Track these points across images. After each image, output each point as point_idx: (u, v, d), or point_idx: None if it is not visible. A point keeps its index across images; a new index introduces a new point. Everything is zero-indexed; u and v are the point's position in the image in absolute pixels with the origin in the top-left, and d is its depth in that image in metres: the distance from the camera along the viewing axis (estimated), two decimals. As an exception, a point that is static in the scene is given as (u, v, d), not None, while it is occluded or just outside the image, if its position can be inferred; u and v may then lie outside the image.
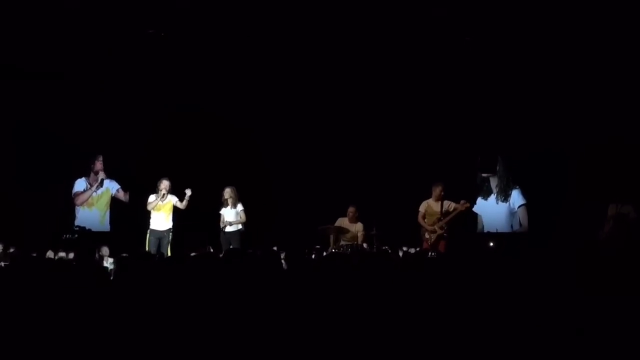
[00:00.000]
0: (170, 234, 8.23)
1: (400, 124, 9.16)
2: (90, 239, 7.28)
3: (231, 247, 8.30)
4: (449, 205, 8.16)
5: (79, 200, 7.38)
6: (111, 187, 7.51)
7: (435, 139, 8.88)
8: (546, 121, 8.09)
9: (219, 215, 8.78)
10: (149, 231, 8.17)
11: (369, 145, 9.32)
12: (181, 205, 8.19)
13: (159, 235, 8.16)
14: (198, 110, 9.38)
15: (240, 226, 8.68)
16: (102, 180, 7.39)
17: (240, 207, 8.70)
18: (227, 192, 8.69)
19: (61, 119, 8.85)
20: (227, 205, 8.72)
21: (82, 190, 7.44)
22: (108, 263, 6.34)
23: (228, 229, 8.63)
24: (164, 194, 8.15)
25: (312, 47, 8.53)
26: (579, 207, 7.44)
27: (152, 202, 8.20)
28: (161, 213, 8.23)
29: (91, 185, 7.42)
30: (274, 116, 9.45)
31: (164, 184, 8.19)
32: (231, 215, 8.70)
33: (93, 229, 7.23)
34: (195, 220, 8.76)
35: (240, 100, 9.34)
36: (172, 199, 8.29)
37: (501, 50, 8.16)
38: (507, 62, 8.20)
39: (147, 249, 7.96)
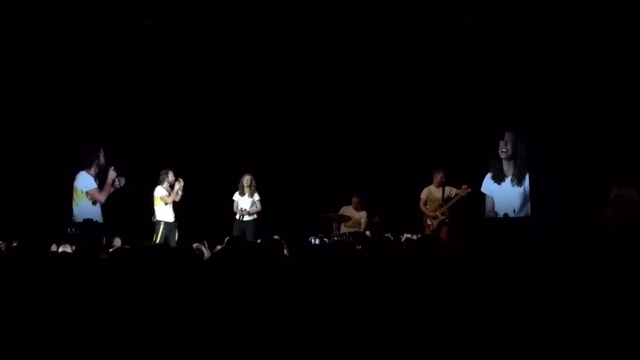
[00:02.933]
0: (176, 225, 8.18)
1: (401, 111, 9.12)
2: (98, 231, 7.33)
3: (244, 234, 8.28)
4: (450, 191, 8.16)
5: (101, 196, 7.44)
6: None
7: (436, 125, 8.85)
8: (549, 105, 8.05)
9: (232, 201, 8.70)
10: (162, 223, 8.02)
11: (370, 133, 9.29)
12: (176, 197, 8.12)
13: (170, 227, 8.09)
14: (198, 97, 9.33)
15: (255, 215, 8.62)
16: (119, 179, 7.64)
17: (257, 196, 8.64)
18: (247, 180, 8.59)
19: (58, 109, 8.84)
20: (244, 193, 8.62)
21: (96, 186, 7.48)
22: None
23: (246, 218, 8.56)
24: (177, 188, 8.05)
25: (314, 34, 8.49)
26: (584, 190, 7.43)
27: (168, 196, 8.06)
28: (170, 205, 8.15)
29: (96, 178, 7.48)
30: (277, 104, 9.40)
31: (171, 175, 8.11)
32: (247, 204, 8.61)
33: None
34: (196, 211, 8.76)
35: (243, 87, 9.30)
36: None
37: (501, 34, 8.12)
38: (506, 48, 8.16)
39: (158, 240, 7.86)
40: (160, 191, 8.07)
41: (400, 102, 9.09)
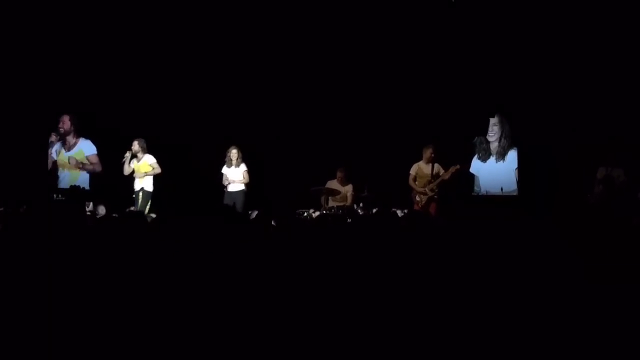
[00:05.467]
0: (142, 193, 8.18)
1: (390, 85, 9.07)
2: (84, 198, 7.28)
3: (235, 207, 8.30)
4: (439, 169, 8.18)
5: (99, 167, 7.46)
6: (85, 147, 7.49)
7: (426, 100, 8.82)
8: (538, 83, 8.04)
9: (221, 174, 8.77)
10: (142, 192, 8.13)
11: (359, 107, 9.25)
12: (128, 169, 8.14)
13: (136, 195, 8.17)
14: (187, 69, 9.23)
15: (243, 186, 8.68)
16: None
17: (244, 166, 8.71)
18: (234, 153, 8.68)
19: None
20: (231, 164, 8.70)
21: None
22: None
23: (235, 188, 8.63)
24: (134, 155, 8.12)
25: (302, 8, 8.41)
26: (570, 169, 7.47)
27: (125, 166, 8.15)
28: (138, 175, 8.20)
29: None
30: (263, 78, 9.34)
31: (136, 145, 8.15)
32: (235, 174, 8.69)
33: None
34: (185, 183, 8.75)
35: (231, 62, 9.22)
36: (148, 159, 8.22)
37: (491, 10, 8.07)
38: (497, 23, 8.12)
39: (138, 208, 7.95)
40: (124, 160, 8.18)
41: (390, 78, 9.04)
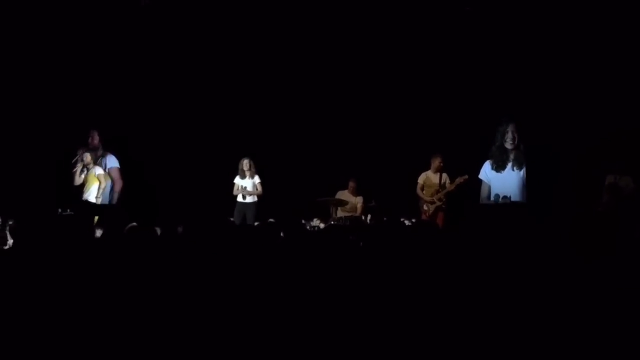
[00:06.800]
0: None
1: (399, 96, 9.10)
2: (93, 213, 7.35)
3: (245, 218, 8.31)
4: (447, 178, 8.17)
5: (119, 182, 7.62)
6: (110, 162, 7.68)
7: (434, 110, 8.83)
8: (546, 92, 8.04)
9: (232, 184, 8.76)
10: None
11: (368, 118, 9.28)
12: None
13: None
14: (194, 79, 9.31)
15: (256, 198, 8.66)
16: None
17: (257, 178, 8.69)
18: (246, 163, 8.65)
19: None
20: (245, 176, 8.66)
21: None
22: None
23: (247, 199, 8.61)
24: (85, 166, 7.90)
25: (312, 18, 8.47)
26: (578, 177, 7.44)
27: (76, 176, 7.91)
28: (92, 185, 8.07)
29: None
30: (275, 89, 9.38)
31: (87, 156, 7.90)
32: (248, 185, 8.68)
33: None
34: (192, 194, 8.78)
35: (239, 71, 9.27)
36: (96, 170, 8.02)
37: (502, 19, 8.08)
38: (507, 33, 8.13)
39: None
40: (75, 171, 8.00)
41: (399, 88, 9.07)
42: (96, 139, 7.68)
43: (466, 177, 8.00)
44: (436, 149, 8.29)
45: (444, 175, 8.17)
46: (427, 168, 8.34)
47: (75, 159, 7.84)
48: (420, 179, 8.35)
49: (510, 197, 5.91)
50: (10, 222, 7.08)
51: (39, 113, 8.81)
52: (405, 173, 8.57)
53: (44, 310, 2.41)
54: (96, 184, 7.96)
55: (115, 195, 7.81)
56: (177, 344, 2.33)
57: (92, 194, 7.97)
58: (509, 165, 6.01)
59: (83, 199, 7.92)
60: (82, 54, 8.76)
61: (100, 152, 7.71)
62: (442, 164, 8.14)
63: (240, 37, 8.94)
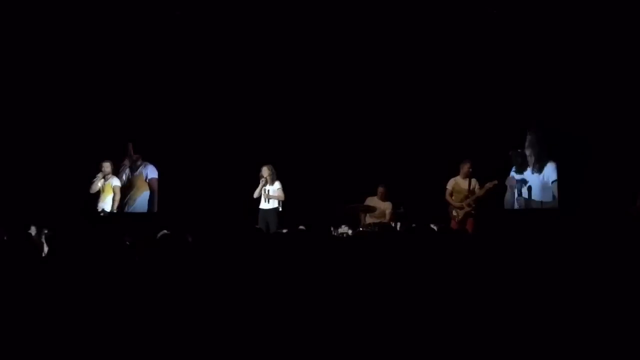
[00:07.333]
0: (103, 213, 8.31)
1: (428, 101, 9.06)
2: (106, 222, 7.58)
3: (269, 226, 8.28)
4: (476, 184, 8.11)
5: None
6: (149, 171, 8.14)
7: (464, 115, 8.78)
8: (575, 94, 7.95)
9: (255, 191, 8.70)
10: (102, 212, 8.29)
11: (397, 123, 9.25)
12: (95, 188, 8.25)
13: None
14: (220, 87, 9.40)
15: (277, 203, 8.57)
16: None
17: (278, 184, 8.60)
18: (265, 170, 8.55)
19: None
20: (265, 183, 8.57)
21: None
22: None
23: (266, 204, 8.54)
24: (106, 177, 8.21)
25: (341, 20, 8.50)
26: (611, 183, 7.33)
27: (93, 184, 8.25)
28: (106, 195, 8.31)
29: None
30: (304, 96, 9.41)
31: (106, 166, 8.23)
32: (270, 192, 8.59)
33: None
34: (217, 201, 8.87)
35: (267, 76, 9.32)
36: (113, 181, 8.33)
37: (529, 23, 8.02)
38: (535, 37, 8.06)
39: None
40: (95, 180, 8.33)
41: (428, 93, 9.03)
42: (131, 150, 7.91)
43: (496, 182, 7.95)
44: (465, 154, 8.24)
45: (473, 180, 8.11)
46: (456, 174, 8.30)
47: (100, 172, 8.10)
48: (449, 185, 8.31)
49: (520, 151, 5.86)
50: (46, 231, 7.24)
51: (77, 124, 9.02)
52: (434, 179, 8.53)
53: (79, 316, 2.47)
54: (111, 194, 8.14)
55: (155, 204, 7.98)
56: (214, 350, 2.36)
57: (108, 204, 8.14)
58: (529, 168, 6.00)
59: (98, 207, 8.13)
60: (116, 65, 8.94)
61: (139, 162, 7.92)
62: (471, 170, 8.09)
63: (270, 45, 9.00)
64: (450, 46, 8.57)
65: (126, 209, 7.97)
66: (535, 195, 5.82)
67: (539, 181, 5.92)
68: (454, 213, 8.17)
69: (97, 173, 8.17)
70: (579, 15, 7.69)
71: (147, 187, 7.96)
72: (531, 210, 7.56)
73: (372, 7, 8.26)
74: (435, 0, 8.12)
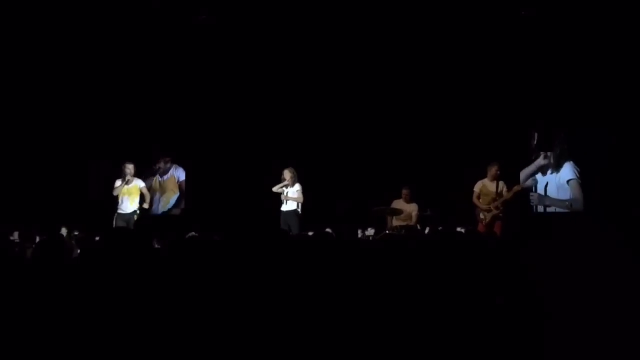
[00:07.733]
0: (135, 215, 8.38)
1: (455, 103, 9.02)
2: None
3: (290, 228, 8.36)
4: (503, 186, 8.05)
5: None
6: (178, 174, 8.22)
7: (491, 118, 8.72)
8: (599, 96, 7.84)
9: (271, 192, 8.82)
10: (115, 215, 8.35)
11: (423, 126, 9.23)
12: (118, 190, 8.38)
13: (126, 217, 8.35)
14: (247, 91, 9.48)
15: (295, 205, 8.66)
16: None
17: (297, 186, 8.67)
18: (287, 173, 8.65)
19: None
20: (286, 185, 8.68)
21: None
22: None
23: (286, 206, 8.64)
24: (128, 179, 8.31)
25: (363, 22, 8.51)
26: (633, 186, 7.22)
27: (116, 187, 8.37)
28: (126, 197, 8.39)
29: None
30: (327, 97, 9.44)
31: (129, 168, 8.34)
32: (290, 194, 8.70)
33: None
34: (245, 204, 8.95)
35: (296, 81, 9.38)
36: (138, 183, 8.42)
37: (557, 24, 7.93)
38: (562, 38, 7.97)
39: None
40: (115, 183, 8.44)
41: (455, 95, 9.00)
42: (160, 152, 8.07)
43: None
44: (493, 157, 8.19)
45: (501, 183, 8.05)
46: (484, 176, 8.24)
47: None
48: (477, 187, 8.26)
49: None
50: (76, 233, 7.39)
51: (100, 128, 9.19)
52: (462, 181, 8.49)
53: (108, 317, 2.51)
54: (136, 196, 8.31)
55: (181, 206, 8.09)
56: (243, 350, 2.39)
57: (127, 205, 8.28)
58: (549, 170, 5.96)
59: (118, 209, 8.28)
60: (139, 69, 9.07)
61: (169, 165, 8.07)
62: (499, 172, 8.02)
63: (293, 49, 9.05)
64: (475, 48, 8.53)
65: (158, 211, 8.08)
66: (551, 194, 5.77)
67: (555, 180, 5.86)
68: (482, 216, 8.11)
69: (120, 175, 8.33)
70: (601, 14, 7.61)
71: (178, 189, 8.10)
72: (558, 214, 7.45)
73: (395, 11, 8.24)
74: (461, 3, 8.06)
